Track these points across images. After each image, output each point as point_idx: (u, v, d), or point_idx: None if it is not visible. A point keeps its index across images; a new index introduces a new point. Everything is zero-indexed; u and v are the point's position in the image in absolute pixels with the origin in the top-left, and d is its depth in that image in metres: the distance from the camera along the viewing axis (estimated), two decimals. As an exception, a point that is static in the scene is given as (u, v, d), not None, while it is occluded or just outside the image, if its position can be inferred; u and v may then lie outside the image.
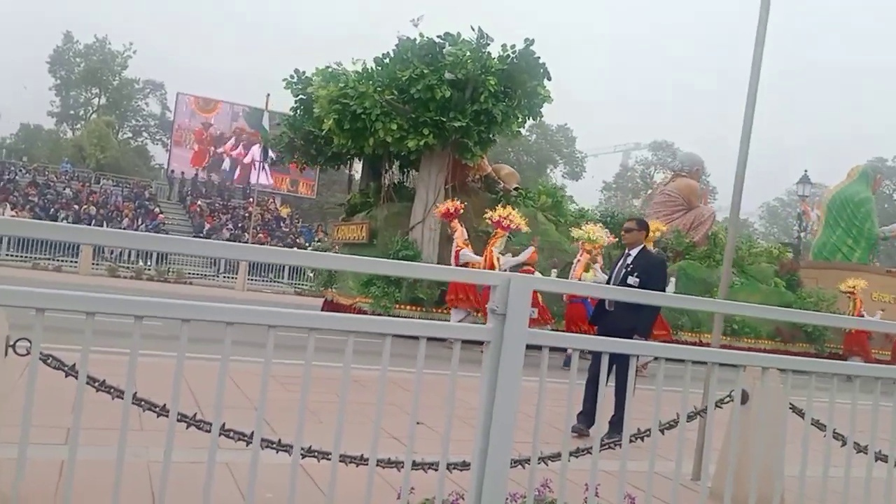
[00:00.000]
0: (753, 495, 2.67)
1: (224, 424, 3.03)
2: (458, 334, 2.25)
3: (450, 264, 12.61)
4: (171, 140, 48.48)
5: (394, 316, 13.81)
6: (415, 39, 14.21)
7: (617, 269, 6.45)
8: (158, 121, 58.24)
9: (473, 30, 14.03)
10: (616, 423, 5.44)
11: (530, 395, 2.25)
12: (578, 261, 12.71)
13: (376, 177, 17.69)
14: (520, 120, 14.70)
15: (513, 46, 13.87)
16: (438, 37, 14.18)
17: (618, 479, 2.47)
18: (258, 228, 36.74)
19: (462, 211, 13.39)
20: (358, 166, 19.23)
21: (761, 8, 4.99)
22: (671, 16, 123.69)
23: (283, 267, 29.76)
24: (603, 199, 63.04)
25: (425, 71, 13.64)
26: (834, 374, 2.84)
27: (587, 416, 5.84)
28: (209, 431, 2.44)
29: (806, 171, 27.50)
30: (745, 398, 3.88)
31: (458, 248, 12.92)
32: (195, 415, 3.18)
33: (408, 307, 14.58)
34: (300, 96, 16.83)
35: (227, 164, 47.01)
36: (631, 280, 6.12)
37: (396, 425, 4.76)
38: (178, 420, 1.95)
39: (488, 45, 13.94)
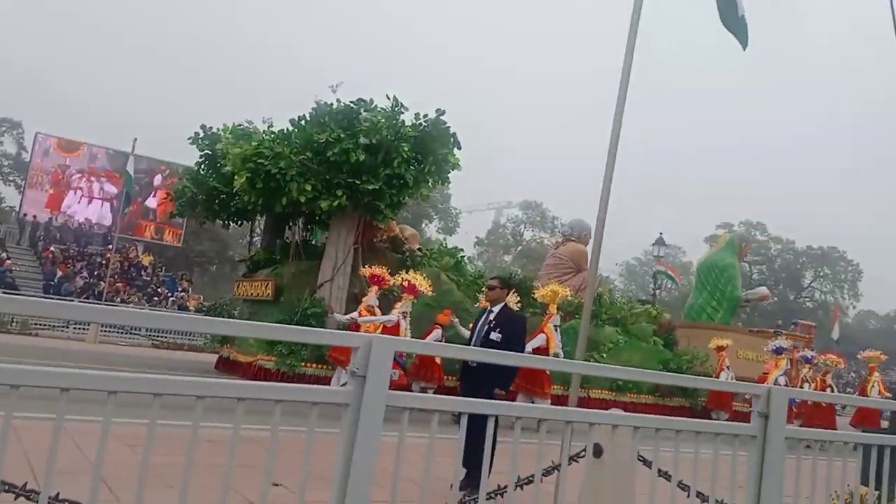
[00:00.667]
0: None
1: (58, 494, 2.82)
2: (316, 397, 2.25)
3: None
4: (24, 182, 45.34)
5: (300, 374, 13.89)
6: (331, 104, 14.66)
7: (480, 325, 6.61)
8: (13, 161, 54.60)
9: (388, 98, 14.71)
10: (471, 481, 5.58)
11: (410, 453, 2.25)
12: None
13: (279, 234, 17.96)
14: (430, 184, 15.34)
15: (425, 115, 14.63)
16: (352, 102, 14.74)
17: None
18: (116, 277, 34.78)
19: (385, 280, 13.30)
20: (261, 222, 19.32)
21: (621, 79, 5.41)
22: (570, 70, 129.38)
23: (139, 317, 28.27)
24: (475, 255, 64.54)
25: (342, 135, 14.10)
26: (678, 430, 3.05)
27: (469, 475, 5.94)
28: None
29: (661, 233, 29.64)
30: (598, 452, 4.04)
31: (360, 314, 12.87)
32: (25, 484, 2.92)
33: (314, 365, 14.31)
34: (206, 151, 16.98)
35: (85, 209, 44.43)
36: (494, 336, 6.29)
37: (254, 487, 4.60)
38: (4, 490, 1.83)
39: (402, 112, 14.63)
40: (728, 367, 17.86)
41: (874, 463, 3.85)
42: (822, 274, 75.87)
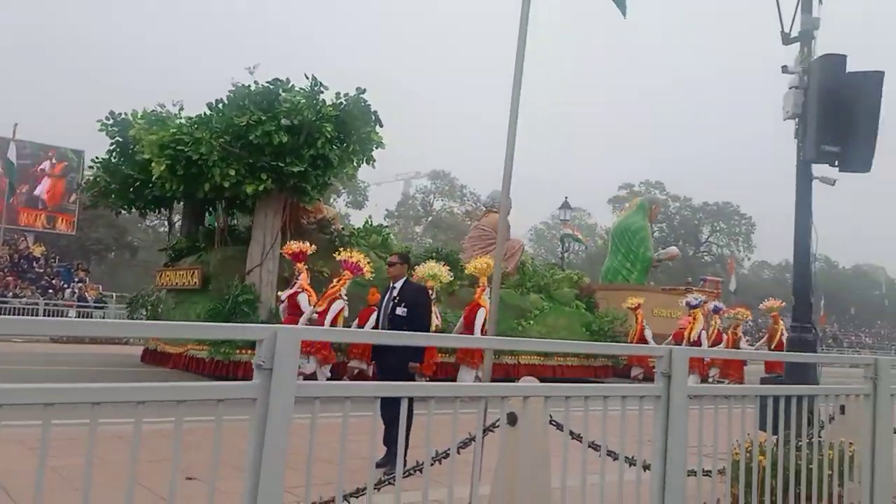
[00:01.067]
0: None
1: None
2: (220, 394, 2.17)
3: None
4: None
5: (236, 362, 13.46)
6: (249, 86, 14.35)
7: (385, 302, 6.74)
8: None
9: (307, 77, 14.43)
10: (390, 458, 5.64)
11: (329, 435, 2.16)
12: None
13: (199, 220, 17.64)
14: (354, 164, 15.31)
15: (346, 94, 14.42)
16: (269, 83, 14.41)
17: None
18: (6, 270, 32.82)
19: (310, 252, 13.44)
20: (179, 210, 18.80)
21: (517, 56, 5.42)
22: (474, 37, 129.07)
23: (37, 310, 27.26)
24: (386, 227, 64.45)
25: (262, 117, 13.82)
26: (587, 396, 3.13)
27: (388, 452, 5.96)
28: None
29: (566, 197, 30.38)
30: (513, 420, 4.11)
31: (297, 291, 13.04)
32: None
33: (249, 351, 13.46)
34: (116, 138, 16.42)
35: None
36: (399, 311, 6.49)
37: (166, 482, 4.46)
38: None
39: (321, 92, 14.38)
40: (646, 325, 19.12)
41: (771, 411, 4.12)
42: (718, 229, 79.70)
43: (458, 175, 73.44)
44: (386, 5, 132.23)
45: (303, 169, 14.06)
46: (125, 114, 16.16)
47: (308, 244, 13.53)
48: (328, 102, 14.33)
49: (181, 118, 14.75)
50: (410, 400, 2.63)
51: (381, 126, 14.94)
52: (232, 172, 13.89)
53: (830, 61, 6.57)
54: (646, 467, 3.61)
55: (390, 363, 6.38)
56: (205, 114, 14.58)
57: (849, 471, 4.61)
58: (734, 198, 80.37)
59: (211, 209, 17.36)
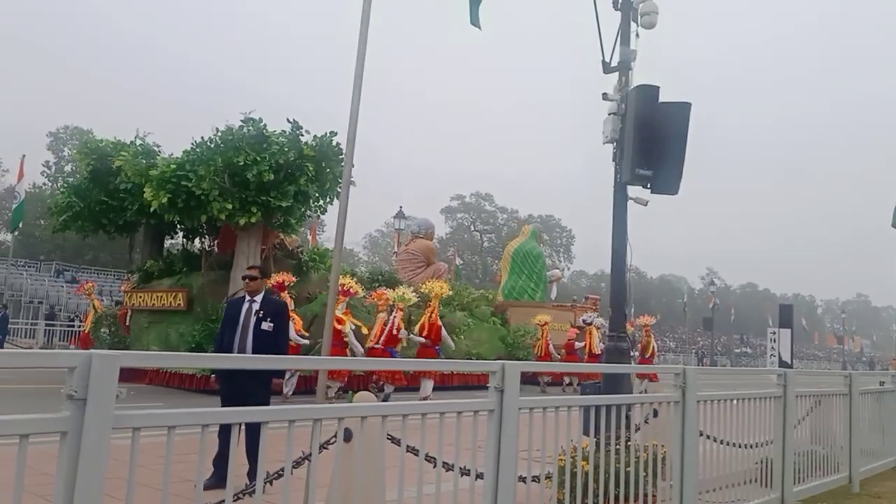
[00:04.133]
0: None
1: None
2: (27, 429, 1.94)
3: None
4: None
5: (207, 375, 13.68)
6: (241, 128, 15.73)
7: (244, 316, 6.41)
8: None
9: (289, 122, 16.04)
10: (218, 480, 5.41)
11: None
12: (395, 316, 15.20)
13: (160, 245, 19.31)
14: (327, 199, 16.85)
15: (322, 135, 16.02)
16: (243, 122, 15.86)
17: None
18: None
19: (291, 284, 14.48)
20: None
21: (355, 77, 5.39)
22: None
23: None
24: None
25: (257, 158, 15.20)
26: (424, 413, 3.15)
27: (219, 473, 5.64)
28: None
29: (401, 206, 31.17)
30: (348, 437, 4.05)
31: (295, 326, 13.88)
32: None
33: None
34: (91, 165, 17.53)
35: None
36: (265, 326, 6.34)
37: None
38: None
39: (302, 135, 15.93)
40: (550, 340, 21.02)
41: (593, 418, 4.38)
42: (542, 241, 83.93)
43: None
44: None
45: (289, 204, 15.60)
46: (99, 142, 17.69)
47: (288, 274, 14.70)
48: (305, 142, 15.91)
49: (182, 154, 15.79)
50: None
51: (353, 166, 15.43)
52: (229, 206, 15.21)
53: (645, 91, 7.10)
54: (479, 476, 3.70)
55: (240, 381, 6.06)
56: (199, 149, 15.60)
57: (661, 470, 4.99)
58: (556, 211, 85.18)
59: (172, 234, 19.10)
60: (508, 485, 3.57)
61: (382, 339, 14.85)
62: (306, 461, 4.22)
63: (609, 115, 7.34)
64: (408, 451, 3.54)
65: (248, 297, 6.50)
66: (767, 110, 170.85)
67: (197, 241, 18.98)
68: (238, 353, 6.23)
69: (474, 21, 7.64)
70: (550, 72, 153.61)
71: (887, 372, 12.76)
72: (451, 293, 20.46)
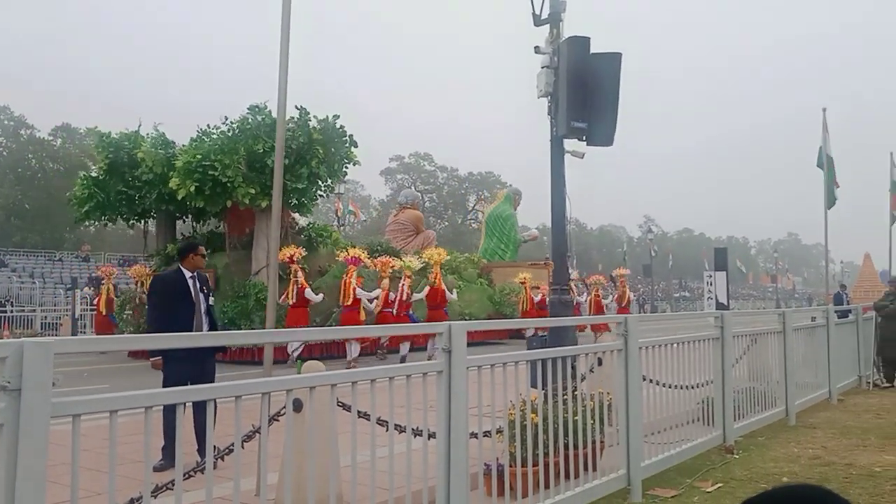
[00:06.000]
0: (312, 496, 2.82)
1: None
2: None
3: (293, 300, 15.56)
4: None
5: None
6: (260, 118, 16.94)
7: (194, 292, 6.37)
8: None
9: (297, 108, 17.19)
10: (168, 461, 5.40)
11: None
12: (403, 284, 16.75)
13: (172, 229, 20.31)
14: (336, 179, 19.08)
15: (325, 118, 17.31)
16: (248, 109, 17.13)
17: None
18: None
19: (299, 256, 15.89)
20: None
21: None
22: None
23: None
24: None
25: (274, 145, 14.35)
26: (373, 379, 3.15)
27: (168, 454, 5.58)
28: None
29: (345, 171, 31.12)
30: (298, 407, 4.04)
31: (303, 287, 15.55)
32: None
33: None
34: (109, 157, 18.63)
35: None
36: (210, 300, 6.49)
37: None
38: None
39: (310, 120, 17.14)
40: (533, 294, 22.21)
41: (540, 371, 4.46)
42: (483, 197, 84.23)
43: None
44: None
45: (304, 186, 16.95)
46: (113, 134, 18.89)
47: (297, 248, 16.17)
48: (313, 126, 17.11)
49: (204, 141, 17.03)
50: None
51: (356, 146, 18.02)
52: (252, 191, 16.36)
53: (576, 43, 7.09)
54: (432, 435, 3.75)
55: (198, 360, 5.98)
56: (220, 139, 16.82)
57: (607, 417, 5.13)
58: (496, 168, 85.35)
59: (184, 218, 20.38)
60: (460, 442, 3.63)
61: (396, 306, 16.34)
62: (257, 434, 4.20)
63: (542, 68, 7.32)
64: (359, 416, 3.56)
65: (189, 274, 6.40)
66: (698, 55, 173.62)
67: (205, 224, 20.50)
68: (196, 331, 6.19)
69: None
70: (485, 26, 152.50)
71: (819, 307, 13.35)
72: (448, 258, 22.02)
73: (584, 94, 7.01)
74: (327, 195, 21.51)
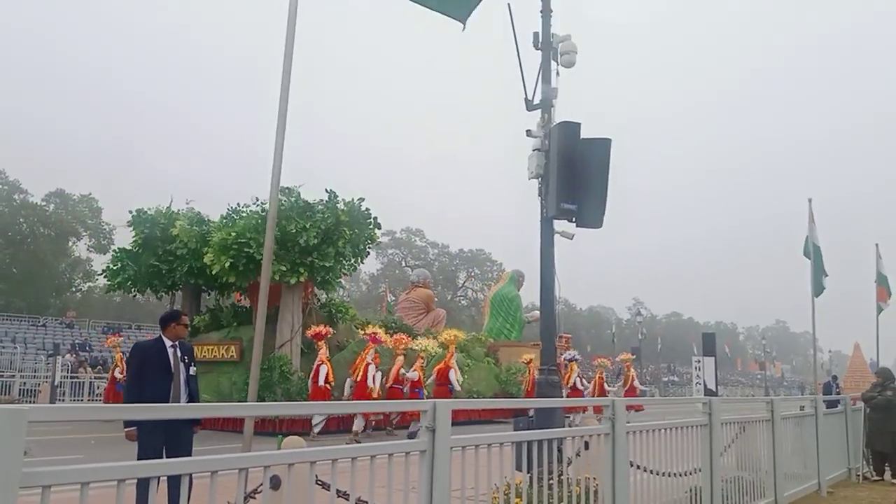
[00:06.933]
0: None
1: None
2: None
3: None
4: None
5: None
6: (293, 199, 18.16)
7: (172, 362, 6.31)
8: None
9: (327, 192, 18.58)
10: None
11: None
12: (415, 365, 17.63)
13: (197, 301, 21.72)
14: (359, 259, 19.86)
15: (351, 201, 18.57)
16: (281, 191, 17.96)
17: None
18: None
19: (329, 335, 16.62)
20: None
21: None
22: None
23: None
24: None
25: (306, 226, 17.57)
26: (354, 458, 3.09)
27: None
28: None
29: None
30: (276, 484, 3.94)
31: (319, 363, 16.08)
32: None
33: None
34: (143, 233, 20.01)
35: None
36: (192, 370, 6.44)
37: None
38: None
39: (338, 202, 18.39)
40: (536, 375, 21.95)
41: (525, 454, 4.38)
42: (473, 274, 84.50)
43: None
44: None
45: (331, 264, 18.08)
46: (147, 210, 20.37)
47: (326, 327, 16.86)
48: (340, 209, 18.41)
49: (236, 219, 18.24)
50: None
51: (380, 228, 19.58)
52: (283, 268, 17.27)
53: (567, 128, 7.28)
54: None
55: (174, 431, 5.88)
56: (253, 219, 17.86)
57: (594, 503, 5.01)
58: (486, 245, 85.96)
59: (209, 292, 21.79)
60: (442, 525, 3.52)
61: (407, 385, 17.14)
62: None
63: (533, 151, 7.49)
64: (339, 495, 3.46)
65: (169, 343, 6.34)
66: (682, 142, 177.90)
67: (228, 297, 21.87)
68: (173, 401, 6.10)
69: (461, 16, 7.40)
70: (478, 106, 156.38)
71: (807, 396, 13.27)
72: (464, 339, 22.87)
73: (573, 176, 7.15)
74: (351, 273, 23.00)
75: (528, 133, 7.59)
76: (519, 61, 7.83)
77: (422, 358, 17.91)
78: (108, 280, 21.30)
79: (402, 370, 17.28)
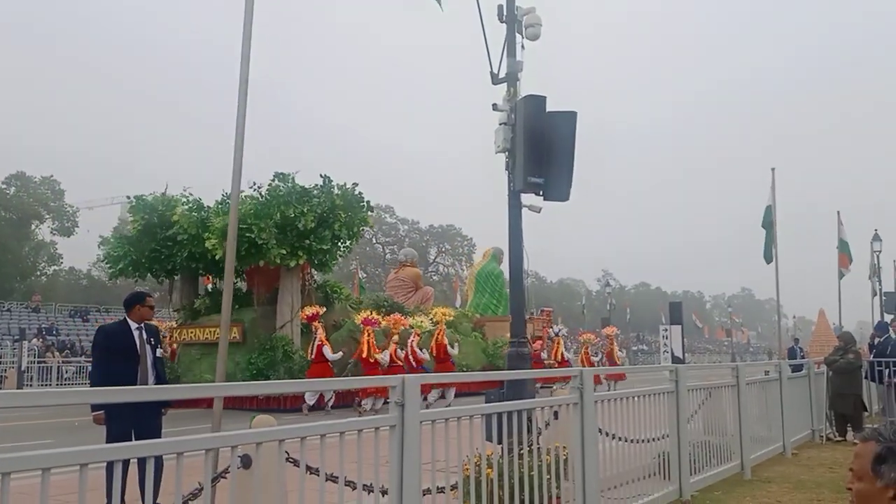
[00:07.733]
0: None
1: None
2: None
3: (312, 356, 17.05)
4: None
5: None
6: (290, 185, 18.85)
7: (139, 344, 6.22)
8: None
9: (322, 177, 19.47)
10: None
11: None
12: (412, 341, 18.29)
13: (194, 285, 22.07)
14: (353, 241, 20.53)
15: (344, 185, 19.50)
16: (276, 177, 19.10)
17: None
18: None
19: (321, 314, 17.43)
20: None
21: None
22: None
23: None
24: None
25: (305, 210, 18.30)
26: (323, 434, 3.09)
27: None
28: None
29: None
30: (247, 463, 3.93)
31: (321, 343, 16.83)
32: None
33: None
34: (142, 219, 20.27)
35: None
36: (159, 352, 6.40)
37: None
38: None
39: (332, 187, 19.22)
40: None
41: (495, 425, 4.42)
42: (444, 249, 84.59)
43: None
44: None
45: (328, 247, 18.81)
46: (146, 196, 20.77)
47: (318, 306, 17.89)
48: (335, 193, 19.20)
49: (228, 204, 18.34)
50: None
51: (372, 211, 20.53)
52: (283, 252, 18.06)
53: (533, 101, 7.25)
54: (384, 492, 3.66)
55: (145, 415, 5.83)
56: (254, 204, 18.28)
57: (563, 471, 5.08)
58: (456, 221, 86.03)
59: (207, 276, 22.02)
60: (413, 499, 3.55)
61: (408, 361, 17.50)
62: (202, 492, 4.06)
63: (500, 125, 7.46)
64: (309, 472, 3.46)
65: (135, 325, 6.27)
66: (651, 111, 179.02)
67: (227, 280, 21.62)
68: (140, 384, 6.02)
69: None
70: (446, 80, 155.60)
71: (772, 362, 13.55)
72: (452, 317, 22.98)
73: (540, 149, 7.14)
74: (346, 255, 23.70)
75: (495, 107, 7.55)
76: (484, 34, 7.78)
77: (417, 335, 18.64)
78: (109, 266, 21.79)
79: (399, 349, 17.68)
